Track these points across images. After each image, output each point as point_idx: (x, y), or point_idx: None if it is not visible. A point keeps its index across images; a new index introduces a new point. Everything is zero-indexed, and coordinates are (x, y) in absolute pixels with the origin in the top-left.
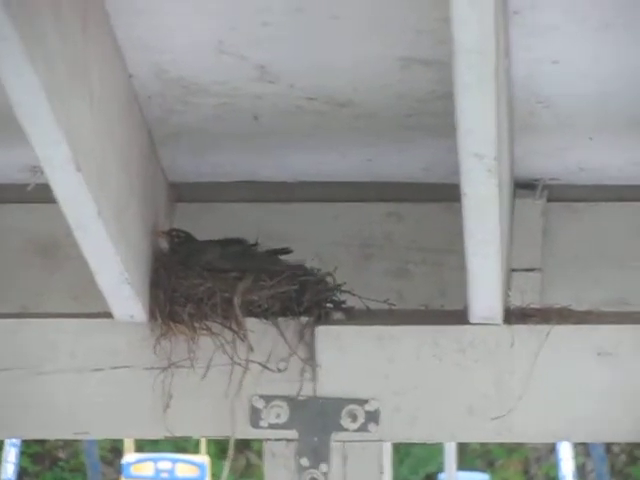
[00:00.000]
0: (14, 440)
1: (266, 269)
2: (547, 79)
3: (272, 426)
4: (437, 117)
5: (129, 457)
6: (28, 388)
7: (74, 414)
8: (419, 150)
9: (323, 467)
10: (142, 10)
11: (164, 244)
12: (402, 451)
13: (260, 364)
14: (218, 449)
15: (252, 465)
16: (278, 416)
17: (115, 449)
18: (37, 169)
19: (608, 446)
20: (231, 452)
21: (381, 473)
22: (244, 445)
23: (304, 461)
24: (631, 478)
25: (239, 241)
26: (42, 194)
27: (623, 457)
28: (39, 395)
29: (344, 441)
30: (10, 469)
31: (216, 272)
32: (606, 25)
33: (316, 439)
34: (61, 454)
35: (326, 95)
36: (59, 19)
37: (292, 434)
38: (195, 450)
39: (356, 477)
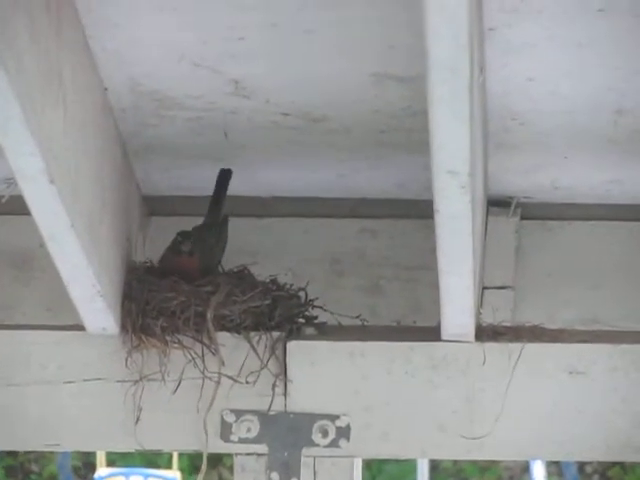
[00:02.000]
0: None
1: (239, 284)
2: (522, 96)
3: (242, 440)
4: (412, 133)
5: (101, 471)
6: None
7: (45, 426)
8: (393, 166)
9: None
10: (117, 23)
11: (137, 256)
12: (374, 468)
13: (231, 378)
14: (190, 464)
15: None
16: (249, 430)
17: (88, 463)
18: (11, 181)
19: (581, 466)
20: (204, 467)
21: None
22: (216, 460)
23: (274, 476)
24: None
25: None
26: (16, 206)
27: (596, 478)
28: (10, 406)
29: (315, 456)
30: None
31: (189, 286)
32: (581, 44)
33: (287, 454)
34: (34, 467)
35: (300, 110)
36: (33, 26)
37: (262, 448)
38: (167, 465)
39: None
